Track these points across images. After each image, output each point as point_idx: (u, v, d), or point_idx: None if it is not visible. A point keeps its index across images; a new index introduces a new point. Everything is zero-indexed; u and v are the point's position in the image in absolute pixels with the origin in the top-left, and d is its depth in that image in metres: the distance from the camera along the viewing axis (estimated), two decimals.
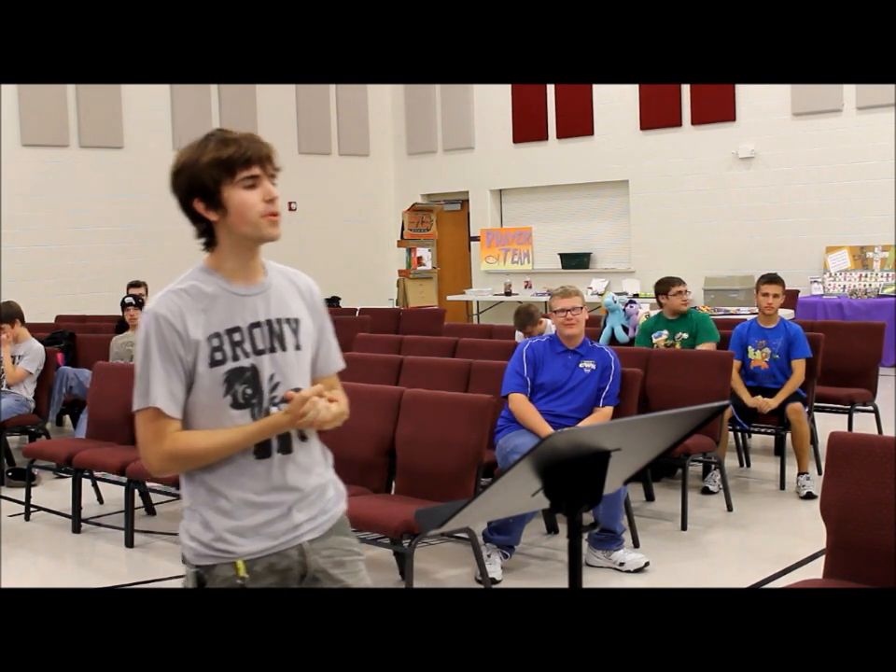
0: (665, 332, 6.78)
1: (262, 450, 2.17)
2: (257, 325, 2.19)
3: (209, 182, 2.12)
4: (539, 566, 5.07)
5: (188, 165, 2.15)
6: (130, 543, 5.62)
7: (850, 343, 7.20)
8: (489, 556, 4.80)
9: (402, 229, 14.18)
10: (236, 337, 2.16)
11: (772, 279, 6.54)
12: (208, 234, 2.20)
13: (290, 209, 14.48)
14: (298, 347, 2.23)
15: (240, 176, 2.12)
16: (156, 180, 13.61)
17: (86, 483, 6.20)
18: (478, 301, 14.54)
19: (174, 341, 2.11)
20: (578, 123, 13.87)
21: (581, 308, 5.22)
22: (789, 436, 6.35)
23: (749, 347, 6.50)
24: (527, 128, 14.34)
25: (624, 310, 7.83)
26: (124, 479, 5.70)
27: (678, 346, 6.70)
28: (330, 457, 2.34)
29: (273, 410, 2.18)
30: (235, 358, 2.15)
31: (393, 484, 4.89)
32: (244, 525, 2.16)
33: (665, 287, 6.83)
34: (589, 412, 5.15)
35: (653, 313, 7.37)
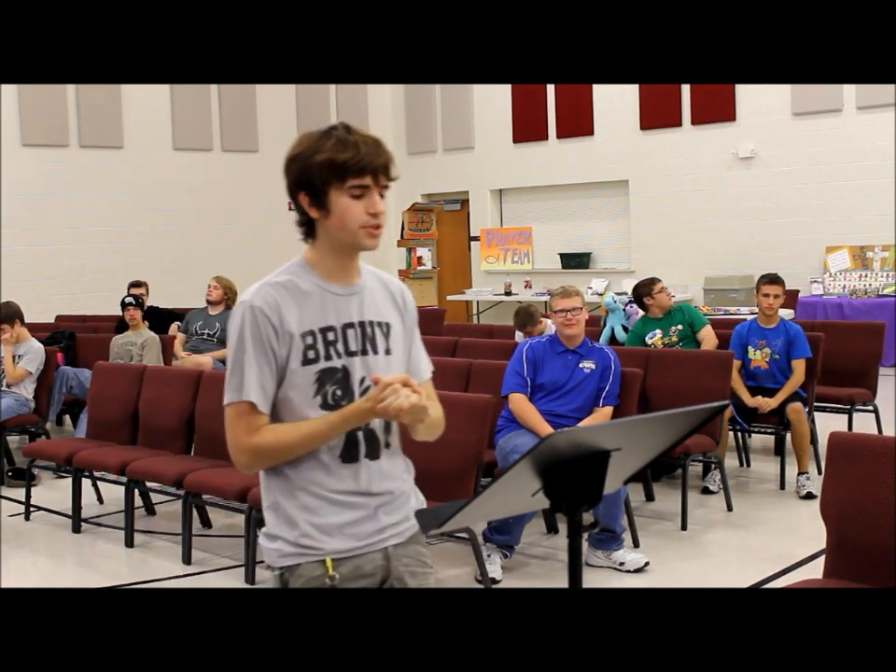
0: (659, 331, 6.79)
1: (349, 454, 2.14)
2: (350, 325, 2.16)
3: (317, 181, 2.08)
4: (539, 565, 5.07)
5: (302, 157, 2.10)
6: (130, 543, 5.62)
7: (850, 342, 7.21)
8: (489, 556, 4.80)
9: (402, 228, 14.19)
10: (330, 336, 2.13)
11: (773, 279, 6.55)
12: (309, 227, 2.17)
13: (290, 209, 14.42)
14: (388, 352, 2.20)
15: (350, 184, 2.08)
16: (156, 180, 13.64)
17: (86, 482, 6.20)
18: (478, 301, 14.54)
19: (268, 334, 2.08)
20: (578, 123, 13.87)
21: (581, 308, 5.22)
22: (789, 436, 6.35)
23: (749, 347, 6.50)
24: (527, 128, 14.34)
25: (624, 310, 7.83)
26: (124, 479, 5.70)
27: (675, 340, 6.71)
28: (412, 468, 2.29)
29: None
30: (328, 358, 2.12)
31: None
32: (329, 523, 2.12)
33: (646, 288, 6.88)
34: (589, 412, 5.16)
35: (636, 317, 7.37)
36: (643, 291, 6.86)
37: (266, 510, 2.18)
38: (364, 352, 2.16)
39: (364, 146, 2.08)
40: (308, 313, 2.12)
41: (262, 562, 5.11)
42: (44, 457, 6.32)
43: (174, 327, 9.23)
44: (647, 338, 6.80)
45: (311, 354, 2.10)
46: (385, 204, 2.13)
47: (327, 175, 2.07)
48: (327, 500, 2.12)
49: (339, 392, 2.12)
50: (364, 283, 2.22)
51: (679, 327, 6.74)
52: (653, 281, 6.89)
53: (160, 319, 9.27)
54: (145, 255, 13.06)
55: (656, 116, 13.15)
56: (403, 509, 2.21)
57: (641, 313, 7.15)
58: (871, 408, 7.11)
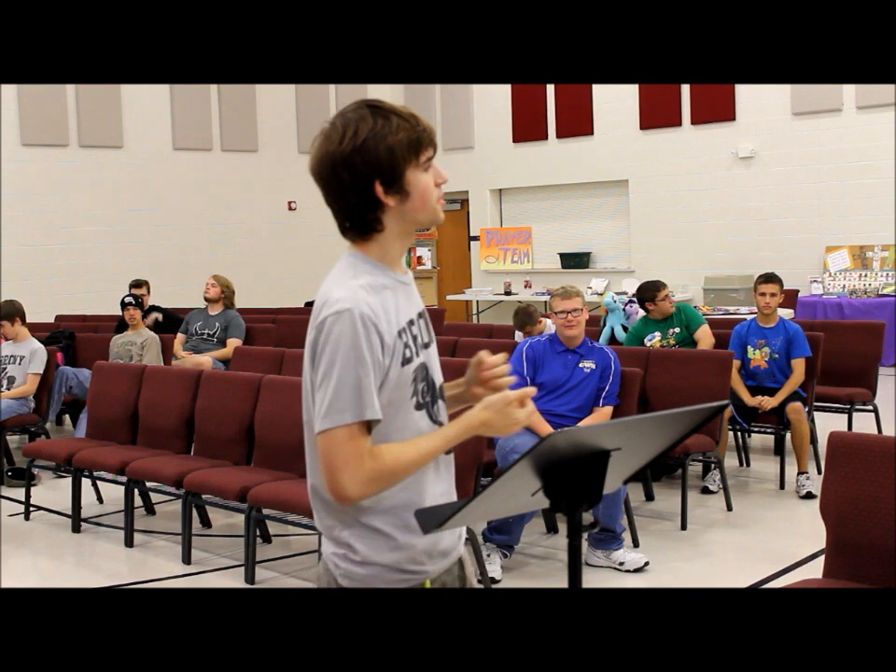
0: (658, 334, 6.79)
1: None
2: (421, 315, 2.02)
3: (398, 163, 1.91)
4: (539, 565, 5.07)
5: (371, 144, 1.90)
6: (129, 543, 5.62)
7: (850, 342, 7.21)
8: (489, 556, 4.80)
9: None
10: (413, 330, 1.97)
11: (769, 278, 6.55)
12: (375, 221, 1.95)
13: (290, 209, 14.48)
14: (433, 340, 2.07)
15: (424, 157, 1.94)
16: (156, 180, 13.61)
17: (86, 482, 6.20)
18: (478, 301, 14.55)
19: (375, 344, 1.86)
20: (578, 123, 13.87)
21: (582, 309, 5.22)
22: (788, 435, 6.35)
23: (749, 347, 6.50)
24: (527, 128, 14.34)
25: (624, 309, 7.83)
26: (124, 479, 5.70)
27: (672, 343, 6.71)
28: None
29: (435, 409, 2.00)
30: (417, 354, 1.96)
31: None
32: (432, 543, 1.97)
33: (650, 293, 6.82)
34: (589, 411, 5.16)
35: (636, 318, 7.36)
36: (647, 296, 6.84)
37: (349, 534, 1.94)
38: (428, 343, 2.02)
39: (419, 117, 1.96)
40: (396, 310, 1.94)
41: (262, 562, 5.14)
42: (44, 457, 6.32)
43: (150, 318, 9.12)
44: (646, 340, 6.80)
45: (407, 353, 1.93)
46: None
47: (407, 154, 1.92)
48: None
49: (426, 388, 1.97)
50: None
51: (677, 330, 6.73)
52: (658, 287, 6.82)
53: (169, 324, 9.21)
54: (144, 255, 13.06)
55: (656, 116, 13.15)
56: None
57: (641, 312, 7.14)
58: (871, 408, 7.11)
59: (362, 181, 1.92)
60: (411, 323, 1.97)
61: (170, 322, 9.26)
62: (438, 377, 2.03)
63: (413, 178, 1.94)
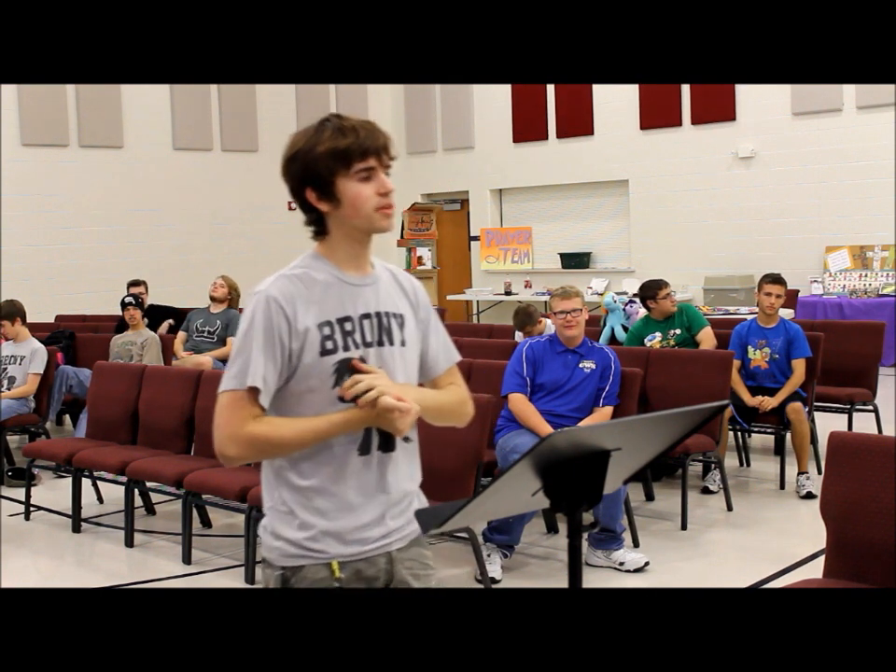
0: (658, 334, 6.79)
1: (366, 445, 2.10)
2: (367, 316, 2.13)
3: (324, 173, 2.06)
4: (539, 565, 5.07)
5: (303, 153, 2.07)
6: (130, 543, 5.62)
7: (850, 342, 7.21)
8: (489, 556, 4.80)
9: (402, 228, 14.18)
10: (347, 327, 2.10)
11: (776, 279, 6.55)
12: (319, 224, 2.13)
13: (290, 209, 14.47)
14: (403, 343, 2.17)
15: (355, 168, 2.06)
16: (156, 180, 13.62)
17: (86, 482, 6.20)
18: (478, 301, 14.55)
19: (280, 325, 2.04)
20: (578, 123, 13.87)
21: (581, 309, 5.22)
22: (789, 435, 6.35)
23: (749, 347, 6.50)
24: (527, 128, 14.34)
25: (624, 309, 7.83)
26: (124, 479, 5.70)
27: (672, 344, 6.71)
28: (420, 471, 2.26)
29: None
30: (346, 349, 2.08)
31: None
32: (339, 527, 2.09)
33: (651, 291, 6.81)
34: (589, 411, 5.16)
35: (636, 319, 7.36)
36: (648, 294, 6.83)
37: (270, 509, 2.14)
38: (380, 343, 2.13)
39: (362, 129, 2.07)
40: (325, 303, 2.09)
41: (262, 561, 5.13)
42: (44, 457, 6.32)
43: (164, 326, 9.20)
44: (646, 340, 6.80)
45: (329, 344, 2.07)
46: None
47: (332, 164, 2.05)
48: (341, 502, 2.09)
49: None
50: (378, 273, 2.19)
51: (678, 331, 6.71)
52: (660, 285, 6.81)
53: (156, 315, 9.27)
54: (144, 254, 13.07)
55: (656, 115, 13.15)
56: (407, 512, 2.18)
57: (641, 312, 7.14)
58: (871, 408, 7.11)
59: (297, 187, 2.11)
60: (345, 319, 2.10)
61: (173, 316, 9.28)
62: (389, 378, 2.11)
63: (342, 187, 2.07)
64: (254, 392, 2.03)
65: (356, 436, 2.10)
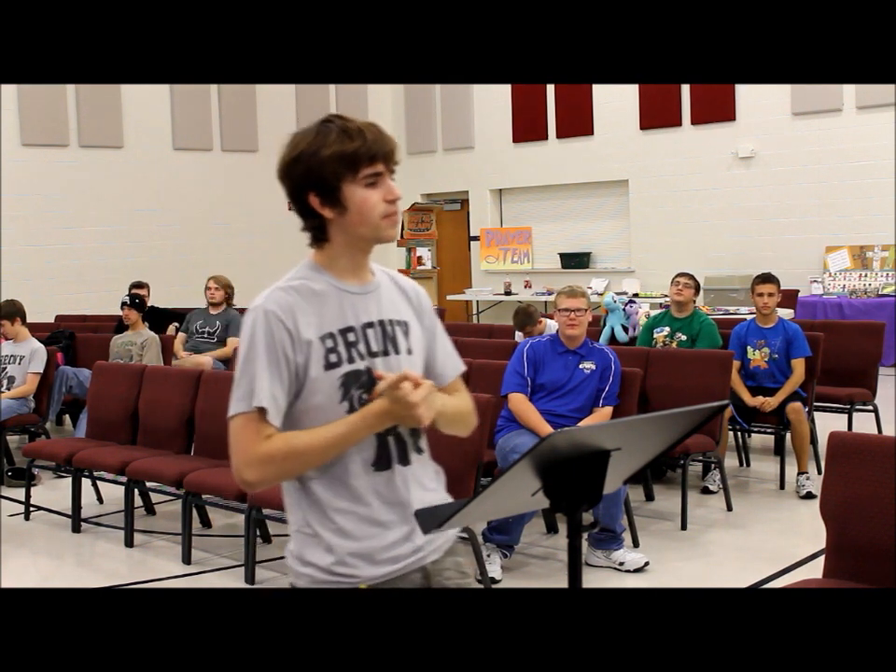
0: (667, 329, 6.79)
1: (382, 461, 2.02)
2: (370, 325, 2.04)
3: (330, 177, 1.96)
4: (539, 565, 5.07)
5: (307, 155, 1.97)
6: (129, 543, 5.62)
7: (850, 342, 7.21)
8: (489, 556, 4.80)
9: (402, 228, 14.18)
10: (350, 337, 2.00)
11: (766, 278, 6.55)
12: (320, 230, 2.03)
13: (290, 209, 14.44)
14: (409, 351, 2.08)
15: (363, 173, 1.96)
16: (156, 180, 13.60)
17: (86, 482, 6.20)
18: (478, 301, 14.55)
19: (282, 339, 1.95)
20: (578, 123, 13.87)
21: (586, 310, 5.22)
22: (788, 436, 6.35)
23: (749, 347, 6.50)
24: (527, 128, 14.34)
25: (624, 310, 7.83)
26: (124, 479, 5.70)
27: (674, 345, 6.71)
28: (443, 476, 2.19)
29: None
30: (351, 361, 1.99)
31: None
32: (367, 547, 2.00)
33: (673, 277, 6.88)
34: (589, 412, 5.16)
35: (653, 312, 7.38)
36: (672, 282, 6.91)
37: (295, 532, 2.05)
38: (386, 352, 2.04)
39: (368, 132, 1.97)
40: (325, 315, 2.00)
41: (262, 562, 5.14)
42: (44, 457, 6.32)
43: (171, 327, 9.24)
44: (655, 330, 6.81)
45: (333, 357, 1.98)
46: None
47: (338, 169, 1.95)
48: (365, 521, 2.00)
49: (365, 396, 1.99)
50: (379, 280, 2.10)
51: (683, 337, 6.70)
52: (679, 274, 6.89)
53: (160, 319, 9.28)
54: (144, 255, 13.07)
55: (656, 116, 13.15)
56: None
57: (642, 312, 7.13)
58: (871, 408, 7.11)
59: (298, 192, 2.02)
60: (348, 329, 2.01)
61: (178, 320, 9.28)
62: None
63: (349, 193, 1.97)
64: (263, 412, 1.95)
65: (371, 452, 2.01)
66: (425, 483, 2.10)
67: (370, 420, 1.95)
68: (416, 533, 2.04)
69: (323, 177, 1.97)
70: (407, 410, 1.91)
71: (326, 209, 2.00)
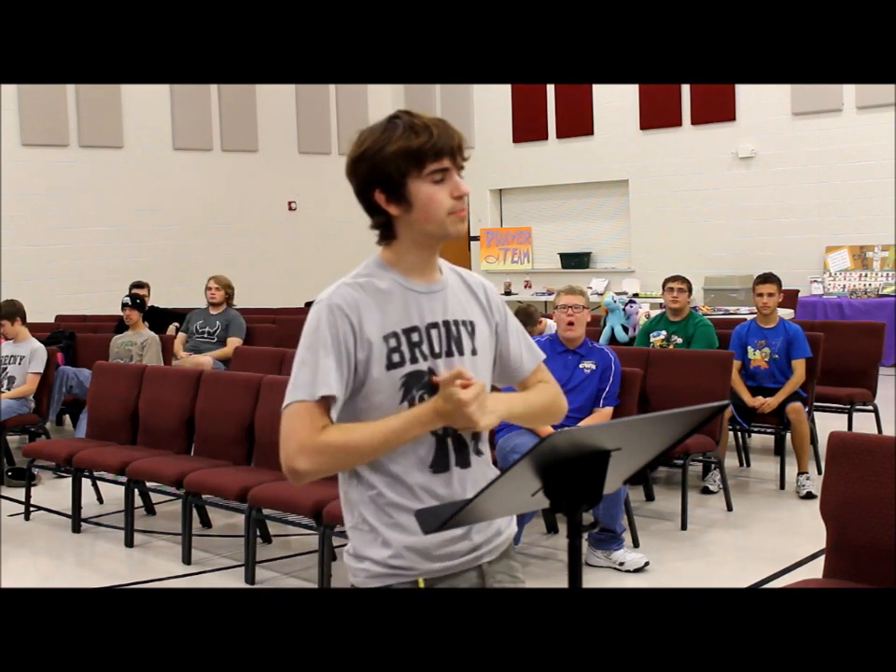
0: (664, 333, 6.80)
1: (440, 463, 2.00)
2: (434, 325, 2.01)
3: (395, 174, 1.93)
4: (539, 565, 5.07)
5: (371, 152, 1.94)
6: (130, 543, 5.62)
7: (850, 342, 7.21)
8: None
9: None
10: (414, 337, 1.98)
11: (766, 278, 6.56)
12: (387, 227, 2.00)
13: (290, 209, 14.49)
14: (474, 352, 2.05)
15: (429, 169, 1.93)
16: (156, 180, 13.59)
17: (86, 482, 6.20)
18: None
19: (346, 333, 1.93)
20: (578, 123, 13.87)
21: (584, 308, 5.23)
22: (789, 436, 6.35)
23: (749, 347, 6.50)
24: (527, 128, 14.34)
25: (624, 310, 7.83)
26: (124, 479, 5.70)
27: (671, 347, 6.72)
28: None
29: None
30: (414, 361, 1.97)
31: None
32: (424, 542, 1.98)
33: (664, 282, 6.87)
34: (589, 412, 5.16)
35: (653, 313, 7.39)
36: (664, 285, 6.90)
37: (351, 528, 2.04)
38: (449, 353, 2.02)
39: (435, 127, 1.94)
40: (390, 313, 1.97)
41: (262, 562, 5.14)
42: (44, 457, 6.32)
43: (172, 327, 9.24)
44: (651, 334, 6.81)
45: (396, 357, 1.96)
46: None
47: (404, 165, 1.93)
48: None
49: (427, 397, 1.97)
50: (447, 279, 2.07)
51: (679, 340, 6.71)
52: (670, 278, 6.88)
53: (160, 319, 9.29)
54: (144, 255, 13.06)
55: (656, 116, 13.15)
56: (495, 523, 2.09)
57: (642, 312, 7.13)
58: (871, 408, 7.11)
59: (364, 188, 1.98)
60: (412, 329, 1.99)
61: (179, 320, 9.29)
62: None
63: (414, 189, 1.94)
64: (324, 403, 1.92)
65: (429, 452, 1.99)
66: (482, 485, 2.06)
67: (422, 417, 1.92)
68: (474, 534, 2.04)
69: (388, 174, 1.94)
70: (457, 408, 1.88)
71: (392, 206, 1.97)
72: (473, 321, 2.08)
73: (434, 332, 2.01)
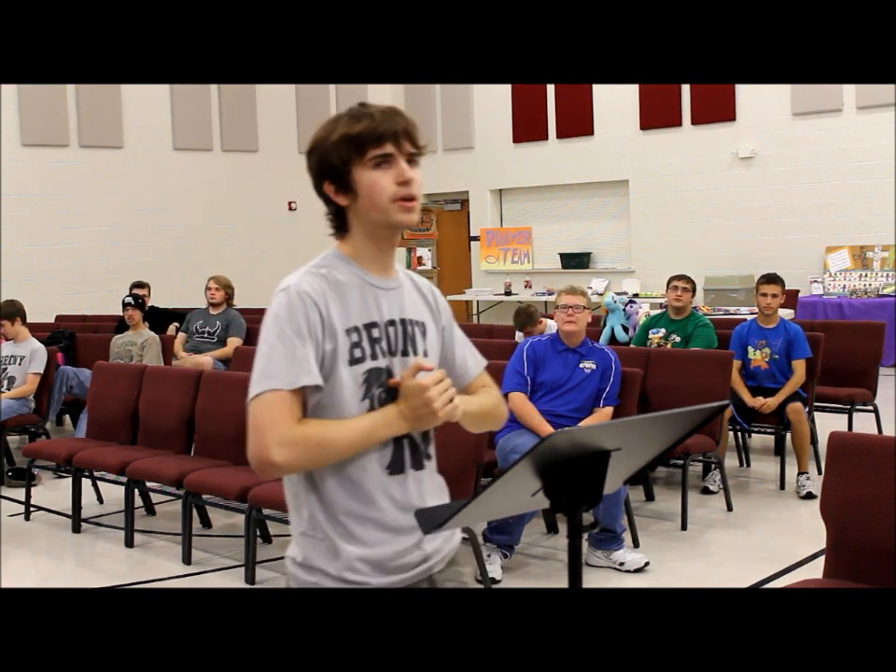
0: (663, 331, 6.80)
1: (396, 465, 1.94)
2: (392, 323, 1.96)
3: (338, 162, 1.90)
4: (539, 565, 5.07)
5: (318, 144, 1.93)
6: (130, 543, 5.62)
7: (850, 342, 7.21)
8: (489, 556, 4.80)
9: None
10: (374, 333, 1.93)
11: (771, 279, 6.56)
12: (339, 219, 1.97)
13: (290, 209, 14.48)
14: (425, 353, 2.01)
15: (370, 155, 1.89)
16: (156, 180, 13.60)
17: (86, 482, 6.20)
18: (478, 301, 14.55)
19: (315, 323, 1.86)
20: (578, 123, 13.87)
21: (584, 308, 5.23)
22: (789, 436, 6.35)
23: (749, 347, 6.50)
24: (527, 128, 14.34)
25: (624, 310, 7.83)
26: (124, 479, 5.70)
27: (668, 346, 6.72)
28: (445, 484, 2.11)
29: None
30: (374, 357, 1.92)
31: None
32: (377, 554, 1.93)
33: (669, 280, 6.88)
34: (589, 412, 5.16)
35: (654, 312, 7.39)
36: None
37: (300, 535, 1.95)
38: (405, 352, 1.97)
39: (380, 114, 1.93)
40: (351, 306, 1.92)
41: (262, 562, 5.14)
42: (44, 457, 6.32)
43: (172, 327, 9.24)
44: (651, 331, 6.82)
45: (357, 352, 1.90)
46: (419, 175, 1.96)
47: (346, 152, 1.90)
48: (377, 526, 1.93)
49: (384, 395, 1.93)
50: (402, 278, 2.05)
51: (677, 339, 6.71)
52: (674, 277, 6.89)
53: (160, 319, 9.29)
54: (144, 255, 13.07)
55: (656, 116, 13.15)
56: (442, 532, 2.02)
57: (642, 312, 7.13)
58: (871, 408, 7.11)
59: (316, 181, 1.96)
60: (372, 325, 1.94)
61: (179, 320, 9.29)
62: None
63: (357, 176, 1.91)
64: (301, 393, 1.85)
65: (387, 454, 1.94)
66: (433, 489, 2.05)
67: (388, 418, 1.90)
68: (425, 544, 2.00)
69: (332, 163, 1.92)
70: (418, 394, 1.86)
71: (340, 196, 1.94)
72: (424, 323, 2.05)
73: (391, 330, 1.97)
